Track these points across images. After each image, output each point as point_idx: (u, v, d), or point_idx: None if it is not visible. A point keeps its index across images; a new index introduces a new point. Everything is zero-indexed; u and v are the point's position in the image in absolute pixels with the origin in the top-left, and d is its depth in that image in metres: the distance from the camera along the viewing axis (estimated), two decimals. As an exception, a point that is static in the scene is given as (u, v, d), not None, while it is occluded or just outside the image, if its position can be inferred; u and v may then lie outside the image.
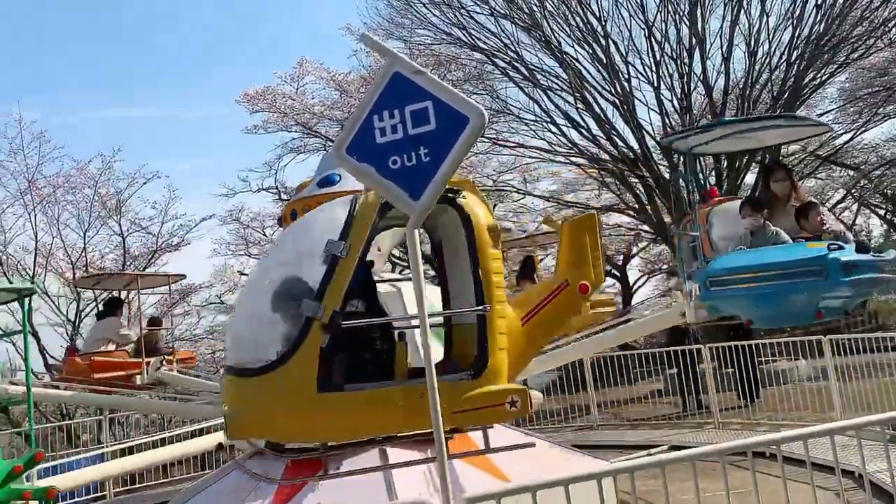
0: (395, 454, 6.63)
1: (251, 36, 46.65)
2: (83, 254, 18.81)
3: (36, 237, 18.31)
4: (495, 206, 24.46)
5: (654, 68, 18.25)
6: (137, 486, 12.27)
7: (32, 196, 18.28)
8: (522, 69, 19.13)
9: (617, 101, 18.61)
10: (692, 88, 18.54)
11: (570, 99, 19.15)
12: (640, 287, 27.61)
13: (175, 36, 45.05)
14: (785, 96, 17.64)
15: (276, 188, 22.83)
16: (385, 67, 3.22)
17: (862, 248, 6.33)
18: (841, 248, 6.07)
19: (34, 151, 18.42)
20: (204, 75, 45.93)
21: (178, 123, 42.32)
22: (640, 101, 18.88)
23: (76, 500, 11.24)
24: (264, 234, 23.09)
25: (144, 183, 19.41)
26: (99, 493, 11.45)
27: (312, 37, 41.71)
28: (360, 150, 3.21)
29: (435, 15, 19.12)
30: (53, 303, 18.49)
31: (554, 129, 19.51)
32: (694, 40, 17.85)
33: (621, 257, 26.49)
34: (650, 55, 18.25)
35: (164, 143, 40.55)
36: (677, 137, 7.49)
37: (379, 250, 7.23)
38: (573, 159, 20.48)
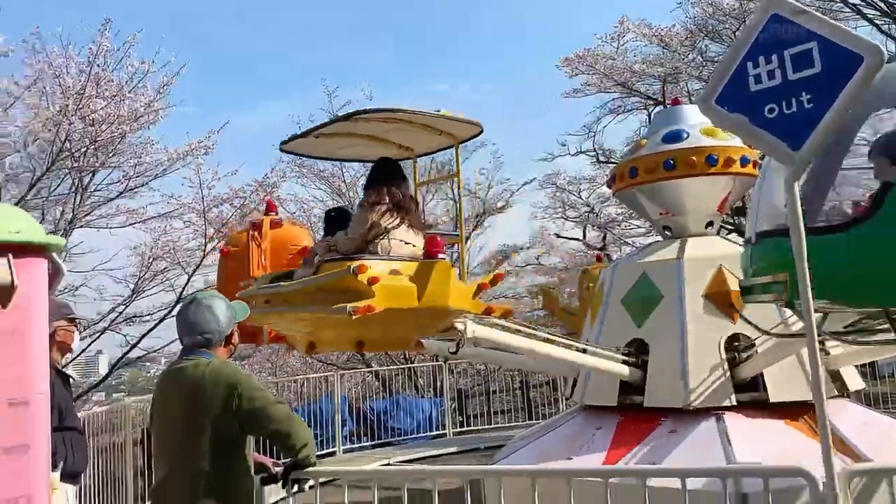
0: (732, 422, 6.38)
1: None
2: (423, 216, 20.63)
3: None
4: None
5: None
6: (471, 427, 13.48)
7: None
8: (880, 3, 16.70)
9: None
10: None
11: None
12: None
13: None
14: None
15: (595, 151, 22.86)
16: (760, 10, 3.01)
17: None
18: None
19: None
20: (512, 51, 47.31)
21: (495, 94, 44.32)
22: None
23: (420, 434, 12.70)
24: (579, 197, 23.25)
25: (473, 151, 20.64)
26: (440, 431, 12.74)
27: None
28: (731, 99, 3.06)
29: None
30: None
31: (919, 70, 16.79)
32: None
33: None
34: None
35: (488, 113, 42.82)
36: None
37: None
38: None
